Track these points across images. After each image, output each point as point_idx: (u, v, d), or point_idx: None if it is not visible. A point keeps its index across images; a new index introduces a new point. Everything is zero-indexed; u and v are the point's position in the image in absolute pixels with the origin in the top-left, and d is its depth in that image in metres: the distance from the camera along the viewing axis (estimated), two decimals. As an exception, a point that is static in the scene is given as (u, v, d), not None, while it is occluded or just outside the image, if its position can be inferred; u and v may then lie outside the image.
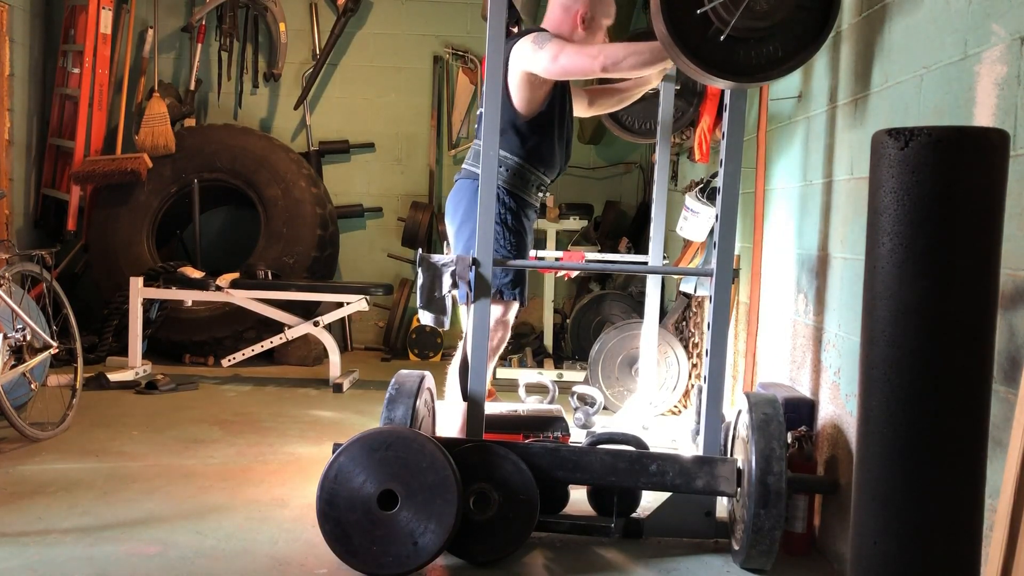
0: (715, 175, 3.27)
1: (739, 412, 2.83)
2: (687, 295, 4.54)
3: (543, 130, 3.14)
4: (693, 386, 4.39)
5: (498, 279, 3.08)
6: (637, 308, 5.17)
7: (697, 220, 3.97)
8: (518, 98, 3.07)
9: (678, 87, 3.67)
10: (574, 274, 5.51)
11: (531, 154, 3.14)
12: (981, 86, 2.03)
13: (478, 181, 2.83)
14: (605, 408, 4.27)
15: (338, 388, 5.05)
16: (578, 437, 3.31)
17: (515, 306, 3.19)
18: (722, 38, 2.39)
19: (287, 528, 2.88)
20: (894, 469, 1.60)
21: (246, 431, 4.08)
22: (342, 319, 5.71)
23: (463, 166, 3.28)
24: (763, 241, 3.59)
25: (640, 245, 5.87)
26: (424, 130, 6.45)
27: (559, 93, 3.14)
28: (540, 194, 3.26)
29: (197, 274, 5.33)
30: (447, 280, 2.81)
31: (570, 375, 5.17)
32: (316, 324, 5.21)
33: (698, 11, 2.37)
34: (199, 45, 6.17)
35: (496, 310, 3.08)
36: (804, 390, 3.04)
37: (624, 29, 5.51)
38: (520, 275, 3.17)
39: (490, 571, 2.61)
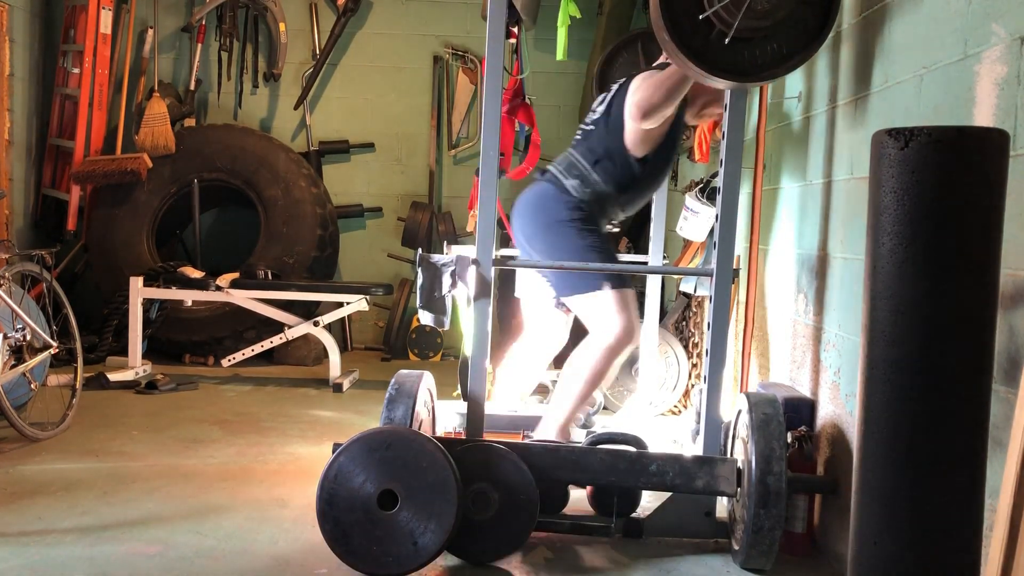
0: (715, 175, 3.27)
1: (739, 412, 2.83)
2: (687, 295, 4.54)
3: (647, 174, 3.24)
4: (693, 386, 4.39)
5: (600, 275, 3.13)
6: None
7: (697, 220, 3.97)
8: (631, 133, 3.14)
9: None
10: (574, 274, 5.50)
11: (622, 191, 3.23)
12: (981, 86, 2.03)
13: (557, 188, 3.10)
14: (605, 408, 4.27)
15: (338, 388, 5.05)
16: (578, 437, 3.31)
17: (630, 292, 3.17)
18: (727, 41, 2.39)
19: (287, 528, 2.88)
20: (894, 469, 1.60)
21: (246, 431, 4.08)
22: (342, 319, 5.71)
23: (551, 167, 3.30)
24: (759, 241, 3.59)
25: (640, 245, 5.86)
26: (424, 130, 6.45)
27: (670, 143, 3.22)
28: (609, 226, 3.41)
29: (197, 274, 5.33)
30: (447, 280, 2.81)
31: (570, 375, 5.16)
32: (316, 324, 5.21)
33: (700, 16, 2.38)
34: (199, 45, 6.17)
35: (612, 303, 3.11)
36: (804, 390, 3.04)
37: (624, 29, 5.51)
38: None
39: (490, 571, 2.61)
